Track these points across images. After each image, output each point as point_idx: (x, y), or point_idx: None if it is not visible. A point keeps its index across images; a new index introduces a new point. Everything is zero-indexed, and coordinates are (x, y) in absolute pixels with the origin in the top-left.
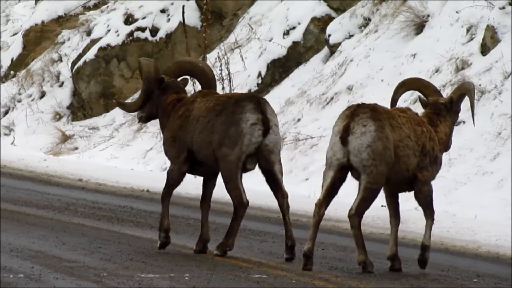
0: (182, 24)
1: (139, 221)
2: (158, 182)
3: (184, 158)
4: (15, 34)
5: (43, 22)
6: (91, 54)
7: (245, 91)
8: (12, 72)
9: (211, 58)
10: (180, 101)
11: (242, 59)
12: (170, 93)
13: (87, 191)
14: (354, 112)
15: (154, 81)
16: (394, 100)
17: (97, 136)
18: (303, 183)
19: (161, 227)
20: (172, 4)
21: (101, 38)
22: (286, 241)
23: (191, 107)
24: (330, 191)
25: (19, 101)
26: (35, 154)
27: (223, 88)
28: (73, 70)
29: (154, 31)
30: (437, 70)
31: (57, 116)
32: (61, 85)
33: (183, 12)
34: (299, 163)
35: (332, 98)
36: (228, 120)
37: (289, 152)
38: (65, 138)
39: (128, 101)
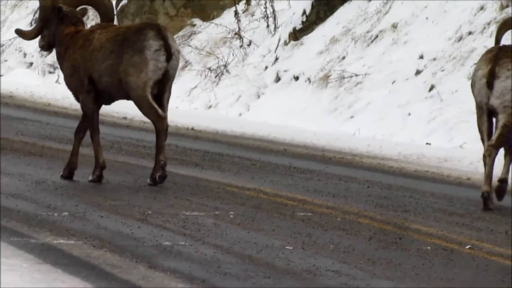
0: None
1: (183, 159)
2: (203, 120)
3: (88, 85)
4: None
5: None
6: None
7: (289, 29)
8: None
9: None
10: (78, 33)
11: None
12: (68, 25)
13: (131, 129)
14: (498, 56)
15: (51, 9)
16: (498, 41)
17: None
18: (348, 121)
19: (97, 164)
20: None
21: None
22: (156, 162)
23: (90, 37)
24: (491, 133)
25: None
26: None
27: (267, 26)
28: (118, 8)
29: None
30: (481, 8)
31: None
32: None
33: None
34: (344, 101)
35: (376, 36)
36: (132, 49)
37: (333, 90)
38: None
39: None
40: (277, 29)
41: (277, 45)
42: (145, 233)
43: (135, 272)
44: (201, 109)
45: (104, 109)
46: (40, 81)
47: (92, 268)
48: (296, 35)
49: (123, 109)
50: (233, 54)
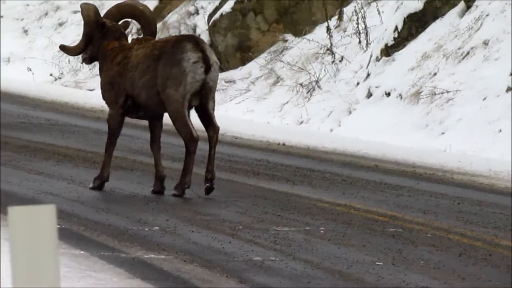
0: None
1: (274, 174)
2: (294, 136)
3: (122, 102)
4: None
5: None
6: (227, 7)
7: (381, 45)
8: None
9: (348, 11)
10: (121, 47)
11: (379, 13)
12: (111, 39)
13: (223, 144)
14: None
15: (95, 24)
16: None
17: (233, 89)
18: (439, 137)
19: (100, 176)
20: None
21: None
22: (206, 173)
23: (128, 54)
24: None
25: None
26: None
27: (359, 42)
28: (210, 23)
29: None
30: None
31: None
32: None
33: None
34: (435, 117)
35: (468, 53)
36: (170, 61)
37: (425, 106)
38: None
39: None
40: (369, 45)
41: (369, 61)
42: (235, 248)
43: (226, 287)
44: (293, 124)
45: (196, 124)
46: None
47: (183, 282)
48: (388, 51)
49: None
50: (324, 70)
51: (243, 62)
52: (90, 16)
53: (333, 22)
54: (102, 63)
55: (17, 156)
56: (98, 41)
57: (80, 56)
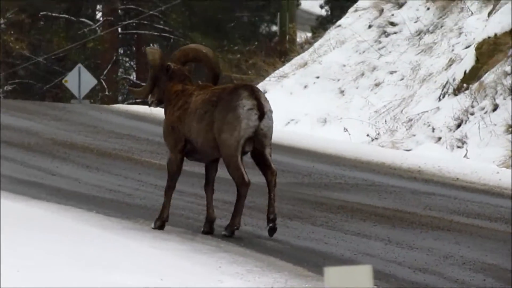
0: None
1: None
2: None
3: (181, 147)
4: (467, 47)
5: (495, 34)
6: None
7: None
8: (464, 85)
9: None
10: (183, 92)
11: None
12: (176, 82)
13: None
14: None
15: (160, 68)
16: None
17: None
18: None
19: (160, 217)
20: None
21: None
22: (268, 214)
23: (189, 99)
24: None
25: (472, 113)
26: (488, 166)
27: None
28: None
29: None
30: None
31: (510, 129)
32: None
33: None
34: None
35: None
36: (226, 107)
37: None
38: None
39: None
40: None
41: None
42: None
43: None
44: None
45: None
46: (449, 155)
47: None
48: None
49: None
50: None
51: None
52: (156, 60)
53: None
54: (166, 106)
55: (334, 217)
56: (163, 84)
57: None
